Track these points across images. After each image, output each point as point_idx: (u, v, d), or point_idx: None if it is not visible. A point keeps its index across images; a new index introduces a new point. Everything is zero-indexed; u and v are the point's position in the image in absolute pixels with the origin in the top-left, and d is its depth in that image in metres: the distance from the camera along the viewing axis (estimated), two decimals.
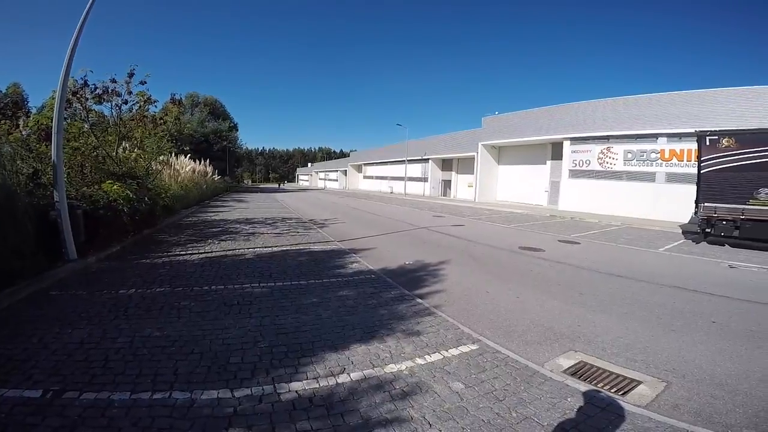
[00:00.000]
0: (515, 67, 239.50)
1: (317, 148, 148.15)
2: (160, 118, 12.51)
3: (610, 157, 21.71)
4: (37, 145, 7.88)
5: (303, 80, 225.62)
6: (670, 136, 18.96)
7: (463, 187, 36.57)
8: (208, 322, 4.24)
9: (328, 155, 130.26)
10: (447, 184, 39.85)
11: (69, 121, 9.42)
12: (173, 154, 18.37)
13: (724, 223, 11.08)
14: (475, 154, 31.41)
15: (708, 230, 11.49)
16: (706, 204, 11.48)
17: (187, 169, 20.74)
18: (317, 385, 3.04)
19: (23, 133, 8.56)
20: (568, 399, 2.98)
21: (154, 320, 4.28)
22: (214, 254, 7.86)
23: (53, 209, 6.30)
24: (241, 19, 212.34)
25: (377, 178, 56.04)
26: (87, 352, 3.45)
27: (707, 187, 11.54)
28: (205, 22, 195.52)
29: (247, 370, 3.24)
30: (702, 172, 11.67)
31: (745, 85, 16.75)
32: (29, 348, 3.50)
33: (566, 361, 3.70)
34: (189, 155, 22.96)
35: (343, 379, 3.16)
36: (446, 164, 39.96)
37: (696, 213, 11.98)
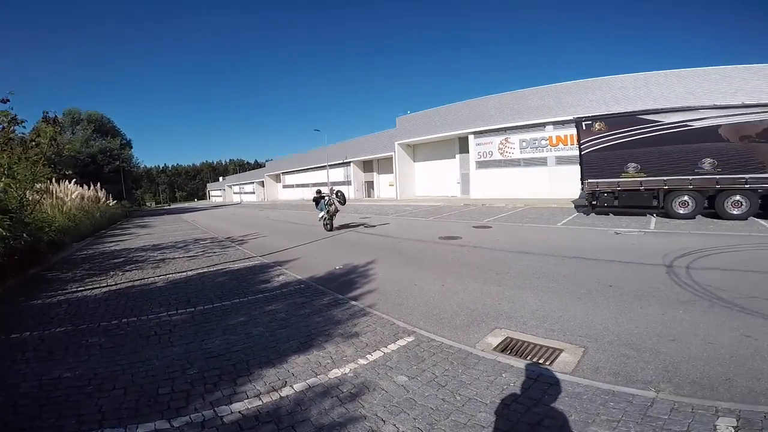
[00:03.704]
0: (428, 63, 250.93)
1: (228, 161, 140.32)
2: (32, 140, 10.66)
3: (508, 147, 23.99)
4: None
5: (203, 90, 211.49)
6: (555, 124, 21.60)
7: (385, 187, 37.35)
8: (124, 357, 3.81)
9: (241, 167, 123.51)
10: (370, 185, 40.37)
11: None
12: (53, 181, 15.89)
13: (605, 195, 12.93)
14: (393, 153, 32.35)
15: (594, 202, 13.30)
16: (589, 180, 13.24)
17: (73, 197, 18.06)
18: (260, 402, 2.89)
19: None
20: (503, 375, 3.17)
21: (60, 361, 3.75)
22: (119, 286, 6.95)
23: None
24: (123, 23, 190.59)
25: (298, 186, 54.47)
26: None
27: (588, 165, 13.30)
28: (80, 27, 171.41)
29: (181, 398, 2.98)
30: (582, 153, 13.41)
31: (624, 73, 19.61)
32: None
33: (494, 339, 3.95)
34: (74, 180, 20.00)
35: (286, 391, 3.03)
36: (367, 166, 40.43)
37: (582, 189, 13.80)
